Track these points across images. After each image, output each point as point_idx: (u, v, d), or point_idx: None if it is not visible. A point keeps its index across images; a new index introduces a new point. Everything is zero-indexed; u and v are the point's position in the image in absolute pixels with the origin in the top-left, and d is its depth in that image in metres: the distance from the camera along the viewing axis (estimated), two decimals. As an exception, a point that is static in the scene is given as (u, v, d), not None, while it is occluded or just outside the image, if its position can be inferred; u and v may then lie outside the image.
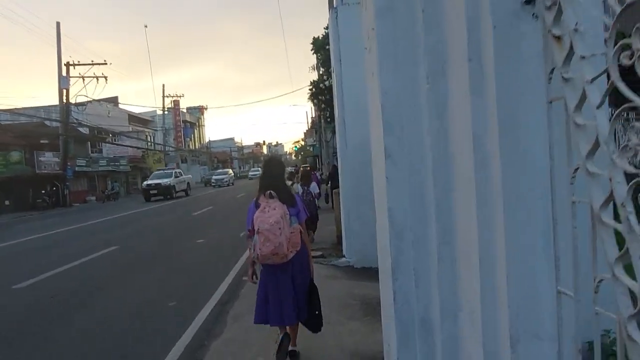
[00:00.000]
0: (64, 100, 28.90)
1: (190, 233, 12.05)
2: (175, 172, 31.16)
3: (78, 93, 29.27)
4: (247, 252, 8.24)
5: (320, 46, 16.59)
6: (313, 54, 17.80)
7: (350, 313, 4.95)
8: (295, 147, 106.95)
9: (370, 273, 6.62)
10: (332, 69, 7.59)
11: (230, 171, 53.30)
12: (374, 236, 6.52)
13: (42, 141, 29.81)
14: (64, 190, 28.56)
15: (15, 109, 29.94)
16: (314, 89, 21.18)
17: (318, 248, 8.47)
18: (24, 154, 27.13)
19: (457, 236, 1.79)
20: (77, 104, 30.06)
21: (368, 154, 6.54)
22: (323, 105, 21.87)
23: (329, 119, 22.90)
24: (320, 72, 19.08)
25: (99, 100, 44.78)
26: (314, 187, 9.54)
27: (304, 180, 9.41)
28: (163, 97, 53.47)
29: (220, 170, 52.88)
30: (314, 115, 53.61)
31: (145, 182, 29.95)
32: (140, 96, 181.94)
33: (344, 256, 7.37)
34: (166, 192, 28.07)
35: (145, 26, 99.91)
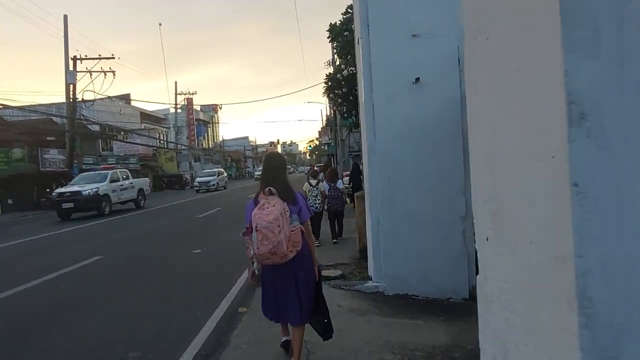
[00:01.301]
0: (71, 96, 27.77)
1: (188, 240, 10.56)
2: (116, 175, 20.47)
3: (85, 88, 28.10)
4: (247, 271, 6.94)
5: (337, 33, 15.03)
6: (329, 42, 16.24)
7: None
8: (310, 146, 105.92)
9: (408, 304, 5.03)
10: (356, 40, 5.99)
11: (222, 171, 41.68)
12: (411, 254, 4.84)
13: (48, 138, 28.80)
14: (70, 188, 27.39)
15: (26, 106, 29.02)
16: (329, 82, 19.66)
17: (337, 264, 6.89)
18: (26, 151, 26.07)
19: None
20: (84, 101, 28.88)
21: (407, 149, 4.88)
22: (339, 100, 20.26)
23: (345, 115, 21.32)
24: (337, 63, 17.46)
25: (110, 98, 44.16)
26: (339, 183, 9.51)
27: (330, 178, 9.36)
28: (175, 93, 52.62)
29: (207, 171, 40.43)
30: (328, 113, 52.24)
31: (57, 190, 19.53)
32: (154, 95, 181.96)
33: (370, 279, 5.78)
34: (90, 205, 18.22)
35: (160, 24, 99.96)
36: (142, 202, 22.03)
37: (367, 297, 5.28)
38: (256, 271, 3.34)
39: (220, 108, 78.27)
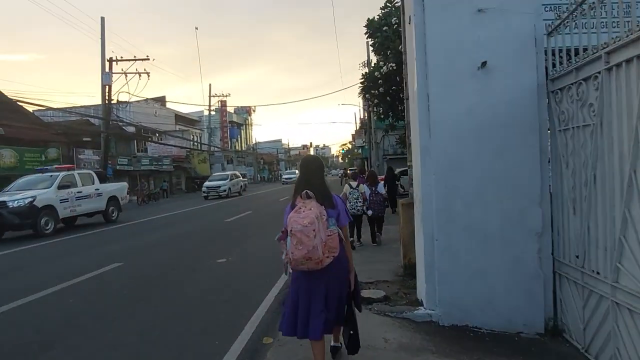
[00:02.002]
0: (106, 97, 27.94)
1: (213, 247, 9.89)
2: (70, 178, 15.35)
3: (120, 90, 28.22)
4: (275, 288, 6.17)
5: (376, 28, 14.11)
6: (367, 37, 15.34)
7: None
8: (342, 149, 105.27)
9: (470, 339, 4.09)
10: (407, 19, 5.09)
11: (237, 174, 35.34)
12: (473, 277, 3.55)
13: (84, 139, 29.11)
14: (103, 189, 27.50)
15: (64, 108, 29.47)
16: (365, 82, 18.76)
17: (377, 281, 5.99)
18: (62, 152, 26.32)
19: None
20: (119, 102, 28.98)
21: (469, 149, 3.55)
22: (375, 101, 19.37)
23: (381, 116, 20.39)
24: (374, 63, 16.56)
25: (146, 100, 44.77)
26: (380, 187, 9.17)
27: (371, 181, 9.02)
28: (210, 95, 52.90)
29: (218, 174, 34.26)
30: (362, 117, 51.33)
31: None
32: (189, 98, 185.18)
33: (420, 304, 4.84)
34: (20, 222, 13.04)
35: (196, 28, 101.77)
36: (114, 214, 17.12)
37: (418, 329, 4.34)
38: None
39: (254, 110, 78.64)
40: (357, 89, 18.10)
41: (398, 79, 12.66)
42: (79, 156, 26.46)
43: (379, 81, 17.52)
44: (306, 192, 3.06)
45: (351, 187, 8.65)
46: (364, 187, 8.78)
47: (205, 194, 29.93)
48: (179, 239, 11.39)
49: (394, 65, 11.73)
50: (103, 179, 21.85)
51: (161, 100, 48.92)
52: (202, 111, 55.20)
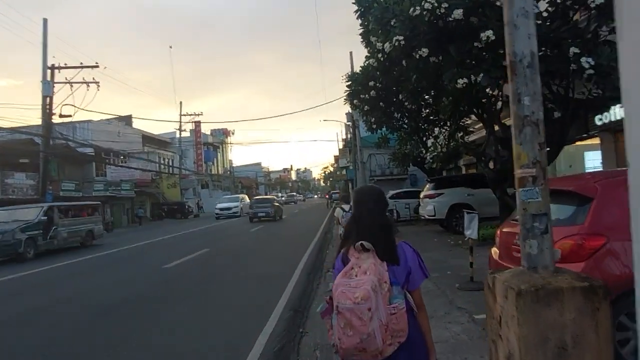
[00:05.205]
0: (48, 110, 23.75)
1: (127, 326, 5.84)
2: None
3: (63, 102, 24.03)
4: None
5: (370, 3, 10.49)
6: (357, 17, 11.69)
7: None
8: (324, 172, 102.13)
9: None
10: None
11: (245, 197, 42.35)
12: None
13: (21, 160, 24.75)
14: (41, 220, 23.02)
15: (15, 127, 25.10)
16: (352, 86, 15.16)
17: None
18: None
19: None
20: (62, 116, 24.69)
21: None
22: (366, 108, 15.75)
23: (374, 127, 16.74)
24: (367, 53, 12.90)
25: (108, 119, 40.58)
26: None
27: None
28: (180, 114, 48.82)
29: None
30: (345, 137, 47.97)
31: None
32: (164, 120, 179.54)
33: None
34: None
35: (170, 47, 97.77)
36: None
37: None
38: None
39: (233, 133, 74.75)
40: (341, 103, 14.54)
41: (405, 63, 8.98)
42: (5, 180, 21.98)
43: (370, 83, 13.97)
44: (361, 243, 2.08)
45: (344, 210, 8.25)
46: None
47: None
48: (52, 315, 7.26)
49: (401, 39, 8.04)
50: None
51: (127, 120, 44.85)
52: (175, 132, 51.10)
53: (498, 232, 4.67)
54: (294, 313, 5.78)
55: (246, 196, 43.35)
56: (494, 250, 4.67)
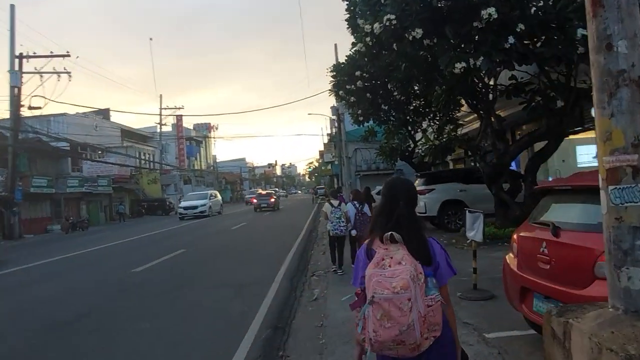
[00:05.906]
0: (16, 102, 22.42)
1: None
2: None
3: (32, 93, 22.70)
4: None
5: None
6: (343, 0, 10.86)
7: None
8: (309, 168, 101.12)
9: None
10: None
11: (216, 193, 36.68)
12: None
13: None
14: (10, 217, 21.81)
15: None
16: (337, 76, 14.36)
17: None
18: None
19: None
20: (30, 108, 23.38)
21: None
22: (352, 99, 14.95)
23: (360, 119, 15.94)
24: (353, 39, 12.06)
25: (84, 113, 39.06)
26: (367, 208, 8.21)
27: (359, 199, 8.35)
28: (160, 107, 47.41)
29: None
30: (331, 131, 47.02)
31: None
32: (146, 114, 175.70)
33: None
34: None
35: (150, 39, 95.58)
36: None
37: None
38: None
39: (216, 128, 73.22)
40: (326, 98, 13.71)
41: (395, 47, 8.19)
42: (-31, 176, 20.71)
43: (357, 73, 13.19)
44: (392, 234, 2.05)
45: (332, 206, 8.31)
46: (347, 207, 8.37)
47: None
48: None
49: (392, 18, 7.23)
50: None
51: (104, 113, 43.33)
52: (156, 126, 49.57)
53: (515, 236, 3.92)
54: (272, 331, 4.96)
55: (217, 192, 37.50)
56: (510, 258, 3.92)
